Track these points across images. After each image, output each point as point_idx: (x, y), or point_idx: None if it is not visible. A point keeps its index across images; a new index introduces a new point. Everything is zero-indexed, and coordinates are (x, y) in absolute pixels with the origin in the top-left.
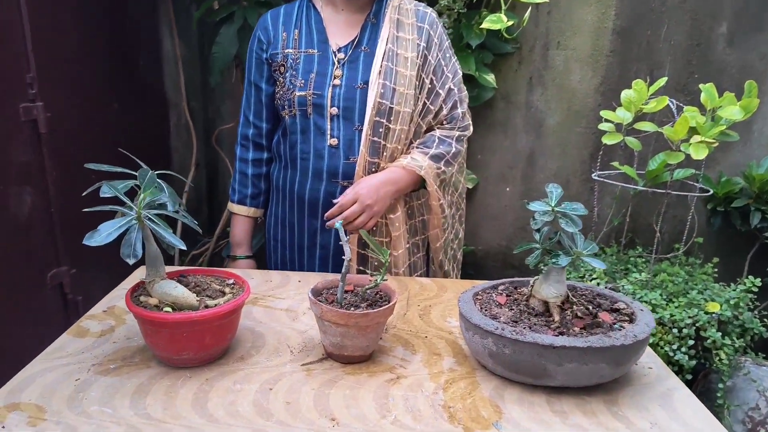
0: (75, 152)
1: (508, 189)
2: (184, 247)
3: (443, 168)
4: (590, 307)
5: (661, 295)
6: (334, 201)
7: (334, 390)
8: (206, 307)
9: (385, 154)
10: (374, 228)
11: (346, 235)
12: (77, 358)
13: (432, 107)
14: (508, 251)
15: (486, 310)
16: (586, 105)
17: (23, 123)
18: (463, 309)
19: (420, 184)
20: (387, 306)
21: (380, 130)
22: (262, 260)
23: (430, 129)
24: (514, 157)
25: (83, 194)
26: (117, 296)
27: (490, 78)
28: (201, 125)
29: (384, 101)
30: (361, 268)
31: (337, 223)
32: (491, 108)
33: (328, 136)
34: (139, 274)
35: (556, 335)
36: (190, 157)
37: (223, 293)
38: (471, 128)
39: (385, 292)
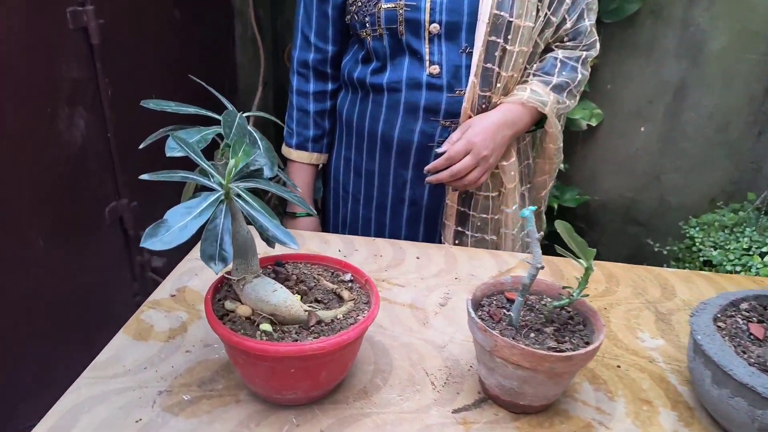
0: (132, 67)
1: (643, 128)
2: (296, 246)
3: (567, 102)
4: None
5: None
6: (438, 150)
7: None
8: (319, 323)
9: (498, 85)
10: None
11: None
12: (138, 379)
13: (553, 18)
14: (633, 204)
15: (742, 351)
16: None
17: (72, 32)
18: (708, 348)
19: (537, 122)
20: (594, 346)
21: (495, 53)
22: (321, 215)
23: (546, 49)
24: (657, 89)
25: (140, 147)
26: (188, 271)
27: None
28: (269, 38)
29: (502, 12)
30: (459, 229)
31: (527, 210)
32: (633, 25)
33: (427, 63)
34: None
35: None
36: (257, 75)
37: (339, 297)
38: (597, 46)
39: (579, 310)
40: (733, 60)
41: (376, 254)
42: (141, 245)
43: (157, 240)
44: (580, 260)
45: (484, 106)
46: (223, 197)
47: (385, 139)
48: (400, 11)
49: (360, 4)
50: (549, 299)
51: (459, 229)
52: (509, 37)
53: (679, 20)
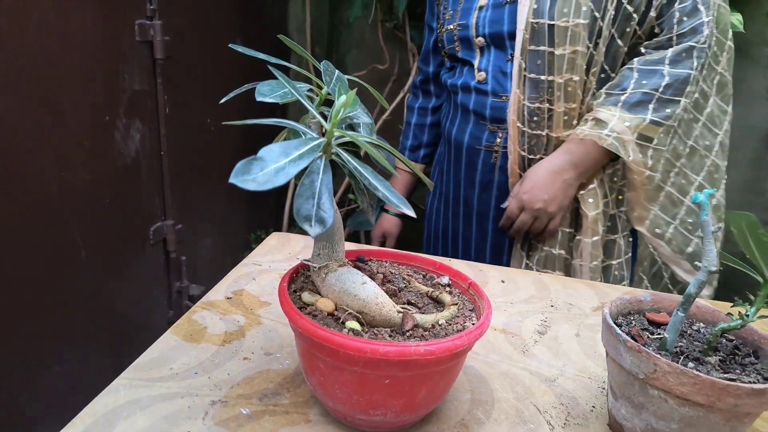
0: (191, 88)
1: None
2: (413, 214)
3: (655, 117)
4: None
5: None
6: (502, 206)
7: None
8: (416, 327)
9: (556, 93)
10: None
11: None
12: (187, 385)
13: (629, 8)
14: None
15: None
16: None
17: (138, 44)
18: None
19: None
20: None
21: (538, 61)
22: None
23: (635, 52)
24: (742, 134)
25: (221, 101)
26: (245, 275)
27: (737, 20)
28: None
29: (539, 20)
30: (527, 262)
31: (701, 194)
32: None
33: (476, 71)
34: (275, 242)
35: None
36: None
37: (437, 302)
38: (705, 31)
39: (746, 338)
40: None
41: None
42: (230, 181)
43: (251, 178)
44: (752, 270)
45: (535, 118)
46: (323, 147)
47: (448, 138)
48: (455, 32)
49: (438, 31)
50: (702, 324)
51: (527, 262)
52: (555, 40)
53: None
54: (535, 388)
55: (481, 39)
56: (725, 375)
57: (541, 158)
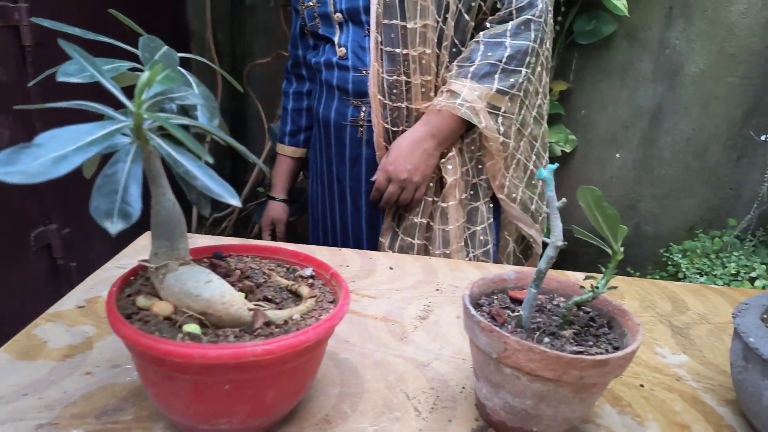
0: None
1: (618, 155)
2: (238, 203)
3: (501, 86)
4: None
5: None
6: (372, 179)
7: None
8: (267, 324)
9: (412, 65)
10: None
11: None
12: (11, 409)
13: None
14: None
15: None
16: (747, 46)
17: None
18: (762, 347)
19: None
20: (633, 347)
21: (392, 35)
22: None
23: (482, 27)
24: (633, 114)
25: (30, 84)
26: (105, 280)
27: (622, 4)
28: (228, 63)
29: None
30: (396, 230)
31: (544, 170)
32: (608, 48)
33: (336, 47)
34: (147, 242)
35: None
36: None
37: (297, 296)
38: (540, 5)
39: (602, 310)
40: (711, 83)
41: (341, 264)
42: None
43: (17, 170)
44: (603, 243)
45: (395, 91)
46: (129, 128)
47: (316, 116)
48: (315, 8)
49: (301, 9)
50: (562, 299)
51: (396, 229)
52: (407, 15)
53: (655, 42)
54: (408, 374)
55: (339, 14)
56: (577, 348)
57: (404, 130)
